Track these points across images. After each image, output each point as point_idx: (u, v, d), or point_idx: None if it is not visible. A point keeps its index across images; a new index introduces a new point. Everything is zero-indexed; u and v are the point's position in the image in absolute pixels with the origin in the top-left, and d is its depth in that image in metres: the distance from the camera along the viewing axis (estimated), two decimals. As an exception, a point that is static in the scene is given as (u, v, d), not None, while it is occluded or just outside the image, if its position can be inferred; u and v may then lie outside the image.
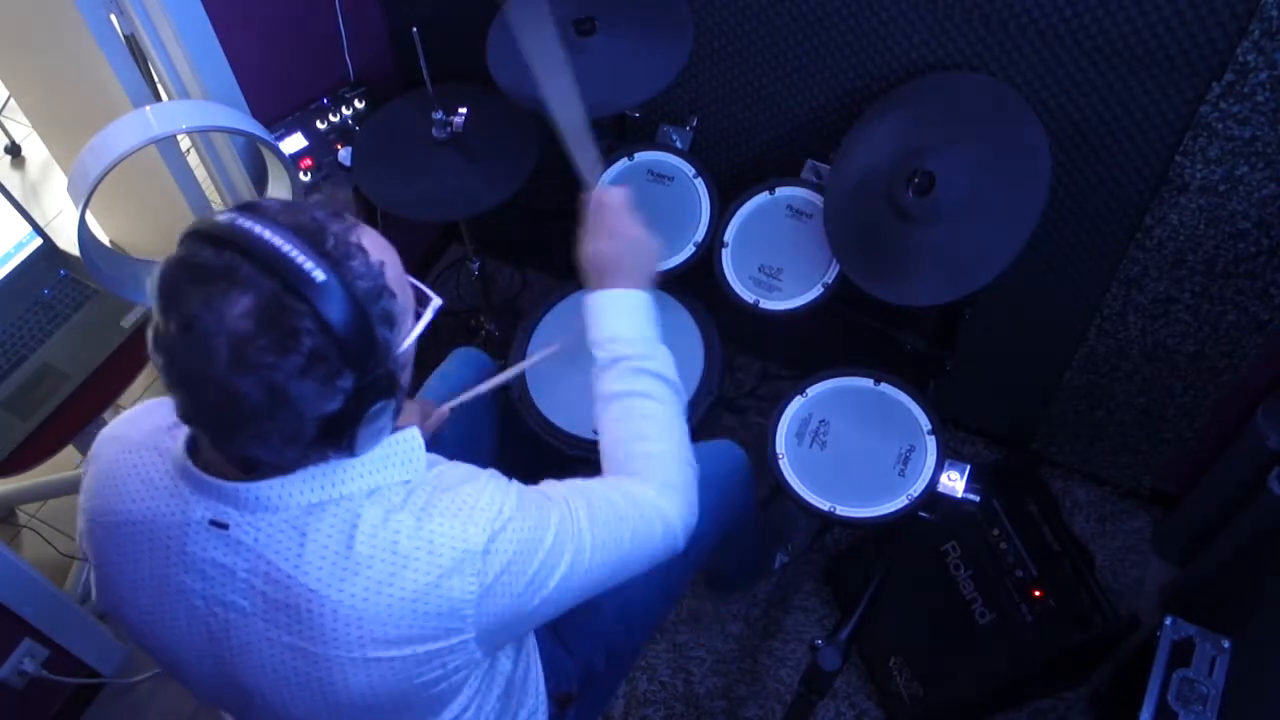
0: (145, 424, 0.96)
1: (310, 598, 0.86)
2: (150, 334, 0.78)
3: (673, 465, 1.10)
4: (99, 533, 0.95)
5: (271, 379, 0.75)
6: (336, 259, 0.78)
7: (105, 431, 0.99)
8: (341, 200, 0.85)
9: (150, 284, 0.77)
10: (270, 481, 0.86)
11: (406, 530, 0.87)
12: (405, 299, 0.87)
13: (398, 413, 0.88)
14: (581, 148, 1.25)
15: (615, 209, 1.21)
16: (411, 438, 0.94)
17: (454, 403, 1.42)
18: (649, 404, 1.12)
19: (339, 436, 0.82)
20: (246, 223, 0.76)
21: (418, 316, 0.91)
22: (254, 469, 0.86)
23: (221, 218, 0.78)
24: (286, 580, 0.87)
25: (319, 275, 0.75)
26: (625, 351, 1.15)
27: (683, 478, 1.10)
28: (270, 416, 0.77)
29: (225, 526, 0.87)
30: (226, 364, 0.74)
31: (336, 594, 0.86)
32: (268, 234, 0.76)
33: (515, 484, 0.97)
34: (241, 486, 0.86)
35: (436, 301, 0.92)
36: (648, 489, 1.07)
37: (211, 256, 0.75)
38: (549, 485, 1.02)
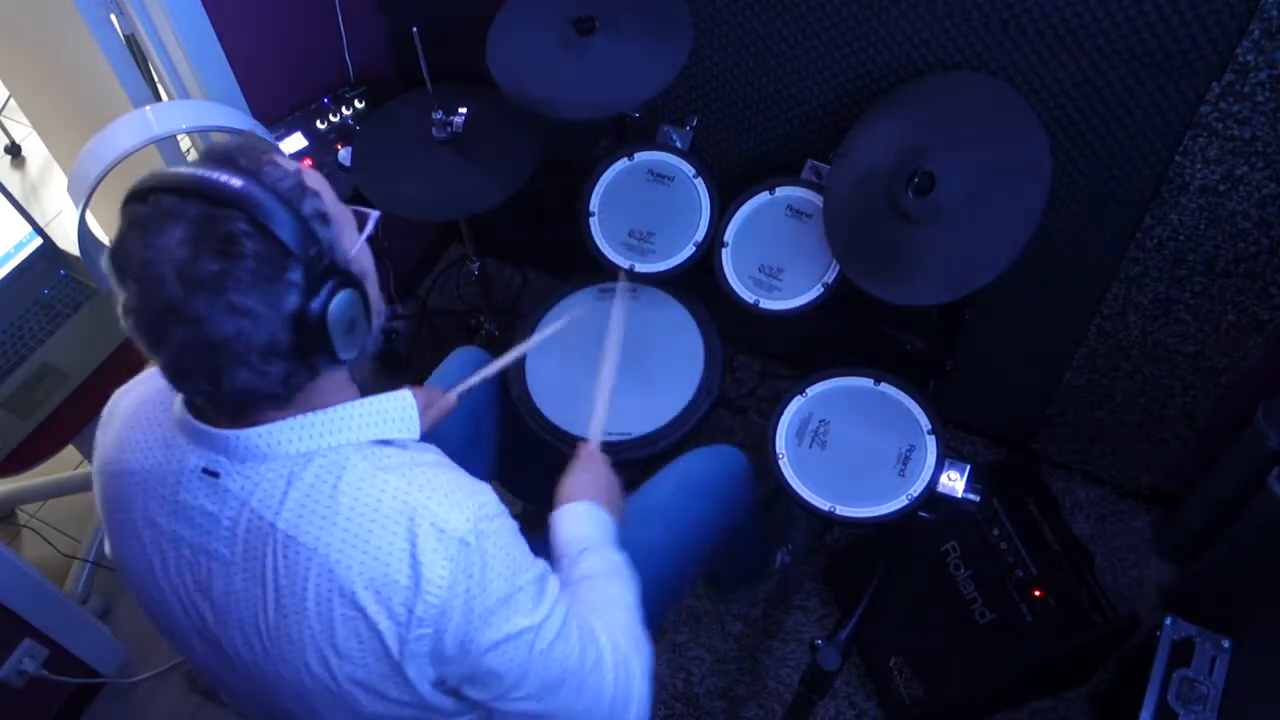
0: (156, 381, 0.99)
1: (288, 544, 0.87)
2: (120, 310, 0.81)
3: (638, 639, 1.08)
4: (105, 484, 0.98)
5: (224, 290, 0.77)
6: (251, 170, 0.82)
7: (119, 390, 1.02)
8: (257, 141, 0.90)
9: (105, 263, 0.81)
10: (261, 429, 0.87)
11: (393, 491, 0.88)
12: (339, 210, 0.89)
13: (370, 316, 0.90)
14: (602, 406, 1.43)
15: (598, 457, 1.35)
16: (403, 397, 0.95)
17: (461, 388, 1.42)
18: (616, 583, 1.13)
19: (313, 339, 0.83)
20: (161, 170, 0.81)
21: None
22: (251, 407, 0.87)
23: (142, 176, 0.82)
24: (267, 527, 0.87)
25: (236, 182, 0.79)
26: (590, 545, 1.17)
27: (644, 654, 1.07)
28: (238, 334, 0.79)
29: (216, 475, 0.89)
30: (180, 290, 0.77)
31: (313, 541, 0.86)
32: (182, 169, 0.80)
33: (514, 521, 0.96)
34: (233, 434, 0.87)
35: (375, 213, 0.95)
36: (625, 643, 1.05)
37: (140, 208, 0.80)
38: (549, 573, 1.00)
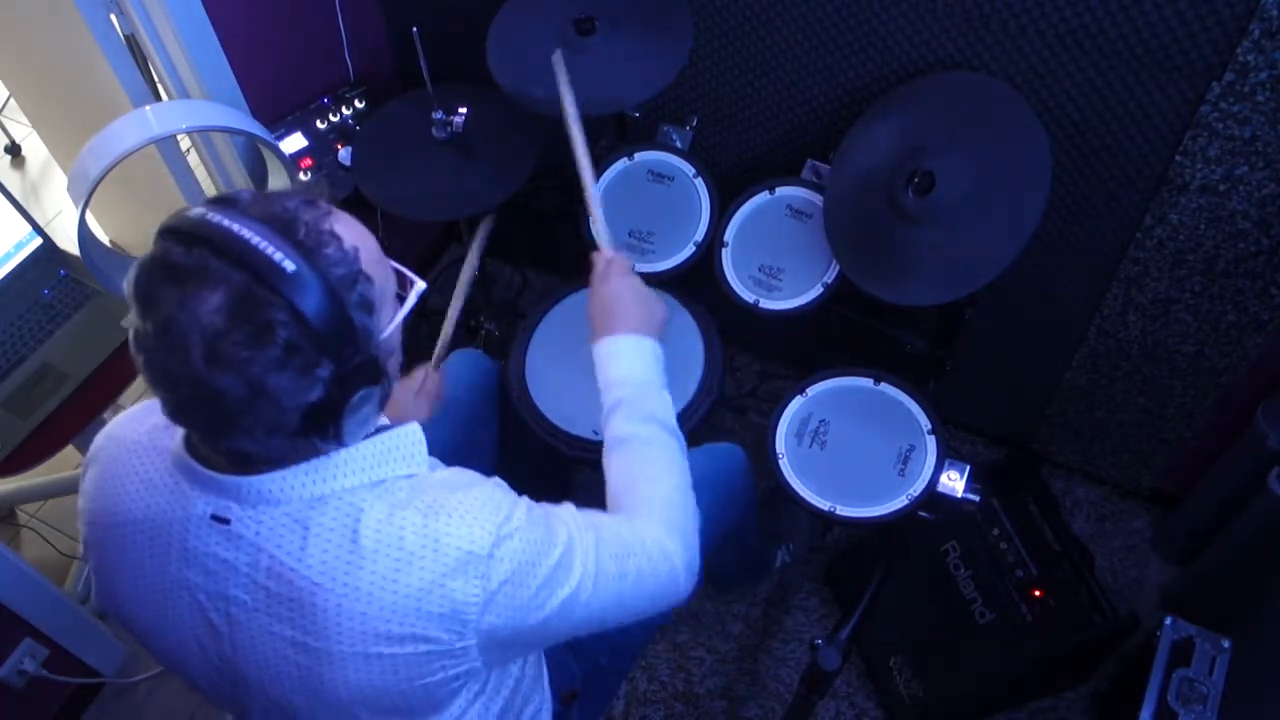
0: (144, 423, 0.96)
1: (314, 591, 0.86)
2: (131, 334, 0.78)
3: (676, 509, 1.10)
4: (100, 534, 0.95)
5: (249, 373, 0.75)
6: (309, 248, 0.78)
7: (105, 431, 0.99)
8: (316, 189, 0.85)
9: (127, 285, 0.78)
10: (271, 475, 0.85)
11: (412, 526, 0.87)
12: (385, 284, 0.87)
13: (384, 400, 0.88)
14: (594, 206, 1.35)
15: (621, 263, 1.28)
16: (412, 432, 0.94)
17: (439, 350, 1.43)
18: (650, 449, 1.14)
19: (323, 426, 0.82)
20: (216, 217, 0.76)
21: (400, 300, 0.91)
22: (246, 462, 0.85)
23: (192, 213, 0.77)
24: (289, 574, 0.86)
25: (289, 266, 0.75)
26: (625, 395, 1.17)
27: (685, 522, 1.10)
28: (250, 411, 0.77)
29: (226, 521, 0.87)
30: (203, 361, 0.74)
31: (341, 588, 0.85)
32: (236, 227, 0.75)
33: (524, 498, 0.96)
34: (242, 480, 0.86)
35: (420, 285, 0.92)
36: (656, 527, 1.06)
37: (182, 255, 0.75)
38: (562, 508, 1.02)
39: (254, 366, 0.75)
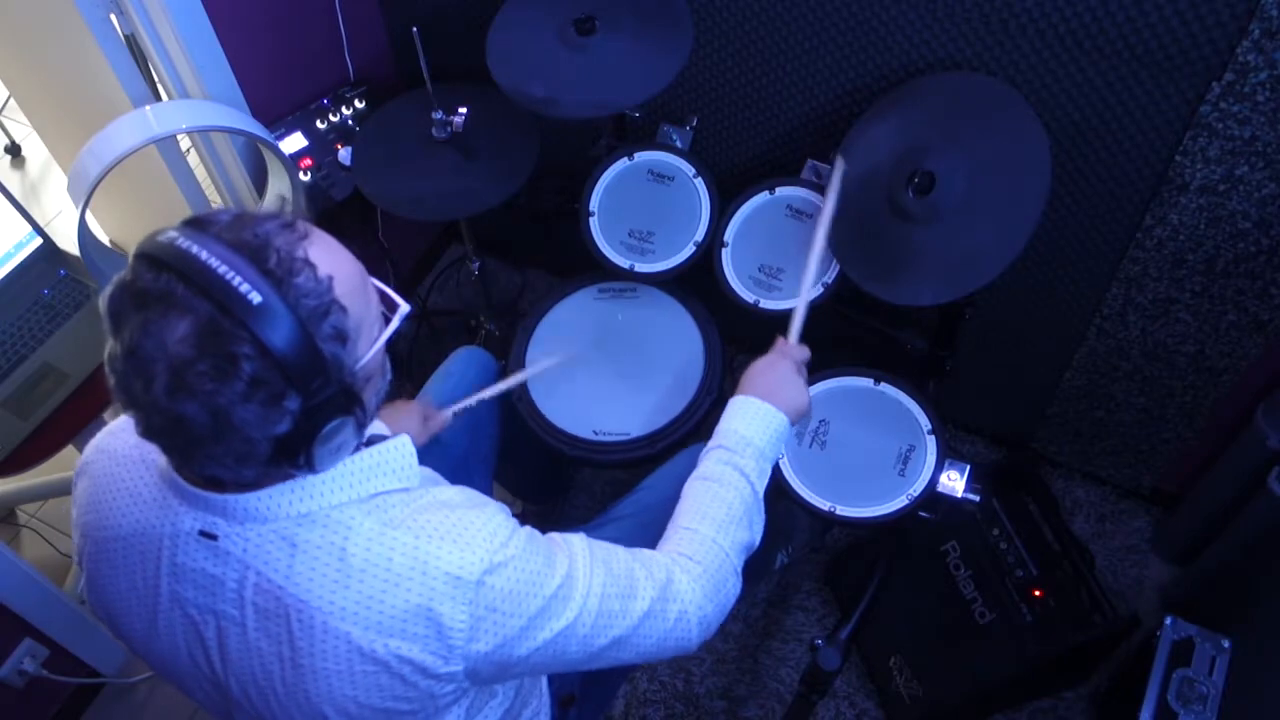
0: (132, 435, 0.94)
1: (301, 608, 0.85)
2: (105, 354, 0.77)
3: (713, 554, 1.08)
4: (93, 547, 0.94)
5: (214, 404, 0.74)
6: (279, 277, 0.76)
7: (93, 443, 0.98)
8: (295, 209, 0.83)
9: (101, 306, 0.77)
10: (259, 493, 0.85)
11: (402, 548, 0.86)
12: (365, 310, 0.85)
13: (362, 427, 0.86)
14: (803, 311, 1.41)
15: (799, 358, 1.31)
16: (402, 445, 0.92)
17: (457, 408, 1.42)
18: (728, 495, 1.13)
19: (294, 456, 0.80)
20: (185, 243, 0.74)
21: (388, 320, 0.89)
22: (220, 486, 0.85)
23: (163, 237, 0.76)
24: (277, 591, 0.86)
25: (256, 298, 0.73)
26: (730, 444, 1.18)
27: (721, 577, 1.08)
28: (217, 440, 0.76)
29: (214, 537, 0.87)
30: (167, 389, 0.73)
31: (327, 606, 0.85)
32: (204, 255, 0.74)
33: (527, 527, 0.95)
34: (229, 497, 0.85)
35: (404, 308, 0.90)
36: (685, 569, 1.05)
37: (150, 280, 0.74)
38: (574, 538, 1.00)
39: (218, 398, 0.74)
